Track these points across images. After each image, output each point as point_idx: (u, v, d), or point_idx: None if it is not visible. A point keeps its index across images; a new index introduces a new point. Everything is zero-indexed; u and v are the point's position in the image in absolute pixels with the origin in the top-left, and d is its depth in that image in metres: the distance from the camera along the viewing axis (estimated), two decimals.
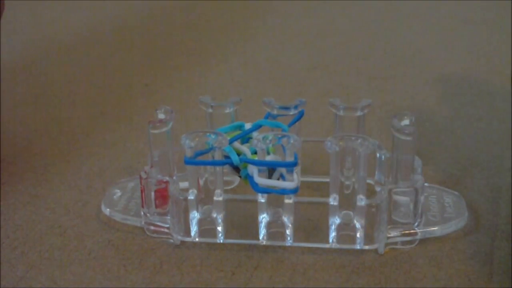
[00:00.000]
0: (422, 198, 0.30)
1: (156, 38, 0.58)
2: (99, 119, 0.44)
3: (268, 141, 0.29)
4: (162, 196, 0.31)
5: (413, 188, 0.30)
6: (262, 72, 0.50)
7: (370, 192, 0.33)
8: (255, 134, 0.32)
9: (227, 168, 0.31)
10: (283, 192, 0.29)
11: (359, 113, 0.32)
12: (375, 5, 0.65)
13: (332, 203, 0.29)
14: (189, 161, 0.29)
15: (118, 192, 0.34)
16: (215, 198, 0.30)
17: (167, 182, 0.30)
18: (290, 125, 0.32)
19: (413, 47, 0.55)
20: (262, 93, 0.46)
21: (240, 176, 0.31)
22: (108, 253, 0.30)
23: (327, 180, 0.34)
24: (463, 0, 0.64)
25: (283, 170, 0.29)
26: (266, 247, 0.30)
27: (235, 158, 0.30)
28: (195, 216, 0.30)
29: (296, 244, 0.30)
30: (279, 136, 0.29)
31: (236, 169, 0.31)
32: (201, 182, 0.31)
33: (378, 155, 0.33)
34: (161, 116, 0.31)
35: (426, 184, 0.32)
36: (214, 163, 0.30)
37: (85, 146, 0.40)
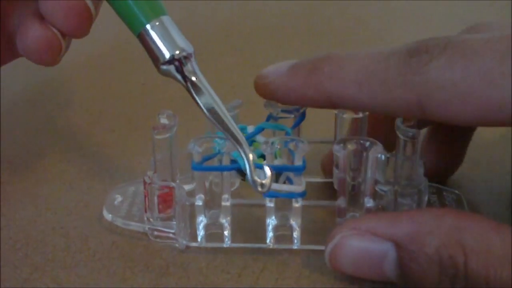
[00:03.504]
0: (425, 199, 0.31)
1: None
2: (98, 119, 0.44)
3: (276, 146, 0.29)
4: (165, 200, 0.30)
5: (417, 189, 0.30)
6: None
7: None
8: (258, 137, 0.32)
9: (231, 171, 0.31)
10: (291, 196, 0.29)
11: (361, 115, 0.32)
12: (375, 5, 0.65)
13: (340, 205, 0.29)
14: (196, 167, 0.29)
15: (119, 197, 0.33)
16: (222, 203, 0.30)
17: (172, 188, 0.30)
18: (293, 127, 0.32)
19: None
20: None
21: (244, 180, 0.31)
22: (112, 255, 0.30)
23: (328, 180, 0.35)
24: (463, 0, 0.64)
25: (290, 174, 0.29)
26: (272, 249, 0.30)
27: (242, 163, 0.30)
28: (202, 221, 0.30)
29: (303, 246, 0.30)
30: (287, 140, 0.29)
31: (242, 173, 0.31)
32: (207, 184, 0.31)
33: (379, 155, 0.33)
34: (164, 121, 0.31)
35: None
36: (222, 169, 0.30)
37: (85, 146, 0.40)
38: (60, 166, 0.38)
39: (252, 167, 0.28)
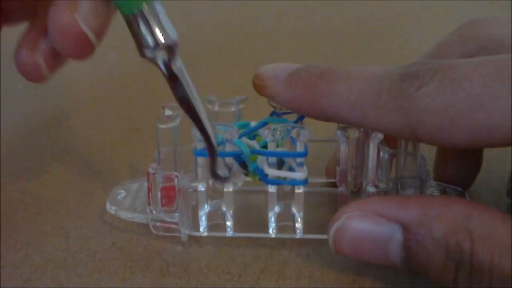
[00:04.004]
0: (428, 192, 0.31)
1: None
2: (97, 119, 0.44)
3: (278, 133, 0.29)
4: (168, 196, 0.31)
5: (418, 178, 0.30)
6: None
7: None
8: (261, 131, 0.32)
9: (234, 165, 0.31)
10: (293, 183, 0.29)
11: (361, 129, 0.32)
12: (374, 5, 0.65)
13: (342, 191, 0.30)
14: (199, 153, 0.30)
15: (122, 193, 0.33)
16: (225, 189, 0.30)
17: (175, 176, 0.30)
18: (295, 122, 0.33)
19: (411, 47, 0.55)
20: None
21: (246, 174, 0.31)
22: (113, 255, 0.30)
23: (330, 180, 0.35)
24: (463, 0, 0.64)
25: (293, 163, 0.30)
26: (272, 249, 0.30)
27: (245, 150, 0.30)
28: (204, 209, 0.31)
29: (306, 236, 0.30)
30: (289, 127, 0.29)
31: (244, 165, 0.31)
32: (210, 182, 0.31)
33: (382, 154, 0.33)
34: (169, 113, 0.31)
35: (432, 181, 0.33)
36: (224, 154, 0.30)
37: (85, 146, 0.40)
38: (60, 166, 0.38)
39: (216, 162, 0.28)
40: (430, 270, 0.25)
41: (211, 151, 0.28)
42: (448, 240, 0.25)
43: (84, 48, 0.29)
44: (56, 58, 0.30)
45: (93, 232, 0.32)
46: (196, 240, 0.31)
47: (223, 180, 0.29)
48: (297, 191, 0.30)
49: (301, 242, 0.31)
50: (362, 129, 0.29)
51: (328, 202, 0.34)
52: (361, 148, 0.30)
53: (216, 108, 0.33)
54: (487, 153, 0.38)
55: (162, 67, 0.28)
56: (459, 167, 0.34)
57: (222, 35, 0.59)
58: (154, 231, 0.31)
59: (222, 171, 0.29)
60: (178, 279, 0.29)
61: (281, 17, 0.64)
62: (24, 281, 0.29)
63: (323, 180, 0.35)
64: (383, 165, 0.33)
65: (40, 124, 0.43)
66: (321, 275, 0.29)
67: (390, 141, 0.31)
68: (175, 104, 0.31)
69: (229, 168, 0.29)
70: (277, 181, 0.30)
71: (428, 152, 0.34)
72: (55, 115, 0.44)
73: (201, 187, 0.30)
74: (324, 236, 0.30)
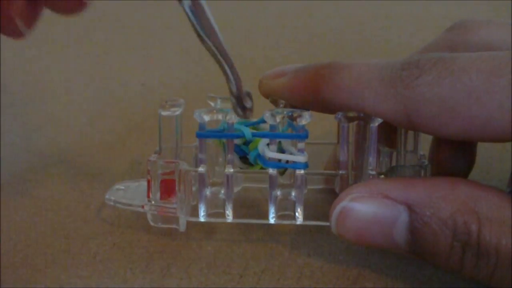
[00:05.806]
0: None
1: (152, 36, 0.58)
2: (98, 119, 0.44)
3: (280, 116, 0.30)
4: (167, 191, 0.30)
5: (419, 166, 0.30)
6: (260, 72, 0.50)
7: None
8: (264, 117, 0.32)
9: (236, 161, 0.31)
10: (294, 166, 0.30)
11: (361, 114, 0.32)
12: (373, 5, 0.65)
13: (342, 174, 0.30)
14: (201, 134, 0.30)
15: (122, 188, 0.33)
16: (225, 170, 0.30)
17: (177, 162, 0.30)
18: None
19: (411, 47, 0.55)
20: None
21: (245, 169, 0.31)
22: (114, 256, 0.30)
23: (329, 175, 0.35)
24: (463, 0, 0.64)
25: (293, 150, 0.30)
26: (272, 249, 0.31)
27: (247, 132, 0.30)
28: (203, 193, 0.31)
29: (307, 222, 0.30)
30: (289, 111, 0.30)
31: (244, 159, 0.31)
32: (208, 190, 0.31)
33: (381, 158, 0.33)
34: (171, 103, 0.32)
35: None
36: (225, 136, 0.30)
37: (85, 146, 0.40)
38: (60, 167, 0.38)
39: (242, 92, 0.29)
40: (436, 252, 0.25)
41: (237, 80, 0.29)
42: (455, 220, 0.25)
43: (17, 33, 0.31)
44: (32, 12, 0.31)
45: (93, 233, 0.32)
46: (196, 240, 0.31)
47: (249, 111, 0.30)
48: (298, 172, 0.30)
49: (302, 242, 0.31)
50: (362, 114, 0.30)
51: (326, 198, 0.33)
52: (361, 133, 0.30)
53: (218, 105, 0.33)
54: (487, 152, 0.38)
55: None
56: (452, 164, 0.34)
57: (222, 35, 0.58)
58: (152, 223, 0.31)
59: (247, 103, 0.30)
60: (179, 280, 0.29)
61: (281, 17, 0.64)
62: (24, 283, 0.29)
63: (323, 173, 0.35)
64: (383, 165, 0.33)
65: (39, 124, 0.43)
66: (322, 275, 0.29)
67: (390, 141, 0.31)
68: (176, 98, 0.32)
69: (250, 98, 0.30)
70: (278, 165, 0.30)
71: (427, 152, 0.35)
72: (55, 115, 0.44)
73: (202, 168, 0.30)
74: (325, 223, 0.29)
